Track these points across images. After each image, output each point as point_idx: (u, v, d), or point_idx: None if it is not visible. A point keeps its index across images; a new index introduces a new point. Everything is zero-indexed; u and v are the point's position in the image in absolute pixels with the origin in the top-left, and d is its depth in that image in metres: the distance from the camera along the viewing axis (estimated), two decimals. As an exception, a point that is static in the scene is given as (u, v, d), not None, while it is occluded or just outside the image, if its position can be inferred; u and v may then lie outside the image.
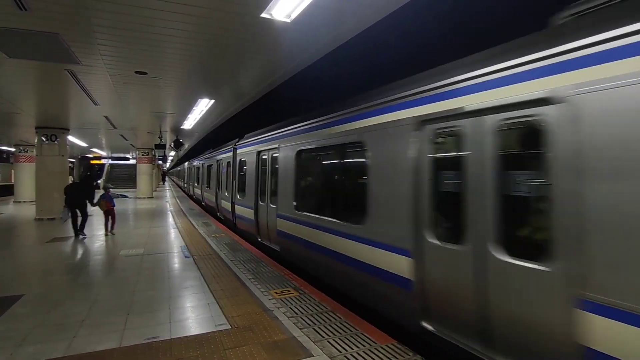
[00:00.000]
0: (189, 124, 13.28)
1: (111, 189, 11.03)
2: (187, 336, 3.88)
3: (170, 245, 8.82)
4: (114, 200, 10.74)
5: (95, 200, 10.16)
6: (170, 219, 13.79)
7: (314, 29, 4.98)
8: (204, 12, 4.48)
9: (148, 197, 24.12)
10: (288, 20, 4.63)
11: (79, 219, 9.85)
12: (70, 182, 12.39)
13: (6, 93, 8.72)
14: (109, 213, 10.35)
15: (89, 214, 10.15)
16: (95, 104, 9.64)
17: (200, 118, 11.99)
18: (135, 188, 25.03)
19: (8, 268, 6.77)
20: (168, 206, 19.03)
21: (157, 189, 35.69)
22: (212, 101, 9.55)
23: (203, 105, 10.09)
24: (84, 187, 10.49)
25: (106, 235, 10.15)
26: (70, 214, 9.73)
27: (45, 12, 4.44)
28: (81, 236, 9.77)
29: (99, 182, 30.03)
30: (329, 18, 4.67)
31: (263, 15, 4.49)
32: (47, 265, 6.99)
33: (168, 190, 35.48)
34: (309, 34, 5.14)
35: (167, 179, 67.21)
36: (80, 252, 8.17)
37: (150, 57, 6.13)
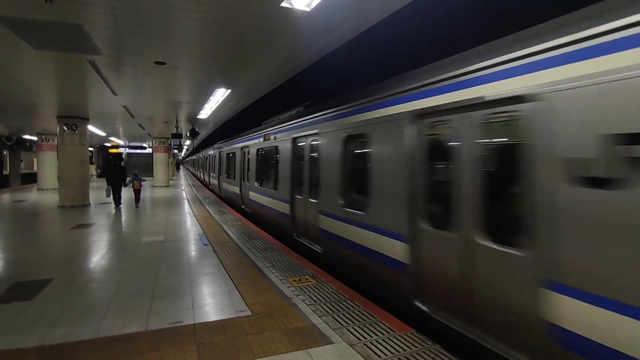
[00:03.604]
0: (205, 113, 13.39)
1: (138, 174, 14.70)
2: (209, 321, 4.01)
3: (188, 233, 9.01)
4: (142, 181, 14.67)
5: (127, 181, 14.07)
6: (187, 207, 14.04)
7: (334, 17, 4.94)
8: (224, 2, 4.50)
9: (164, 186, 24.56)
10: (308, 9, 4.62)
11: (117, 195, 13.59)
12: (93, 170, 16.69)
13: (30, 83, 8.94)
14: (138, 191, 14.28)
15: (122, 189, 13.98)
16: (115, 94, 9.81)
17: (217, 107, 12.08)
18: (152, 176, 25.48)
19: (37, 253, 7.04)
20: (184, 194, 19.36)
21: (173, 177, 36.26)
22: (229, 91, 9.61)
23: (219, 95, 10.16)
24: (119, 172, 13.87)
25: (136, 207, 13.85)
26: (111, 191, 13.42)
27: (69, 3, 4.52)
28: (120, 206, 13.63)
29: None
30: (349, 6, 4.62)
31: (283, 4, 4.49)
32: (73, 250, 7.24)
33: (183, 179, 36.02)
34: (329, 22, 5.11)
35: (181, 167, 68.14)
36: (103, 238, 8.41)
37: (170, 48, 6.19)
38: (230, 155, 16.05)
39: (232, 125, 20.93)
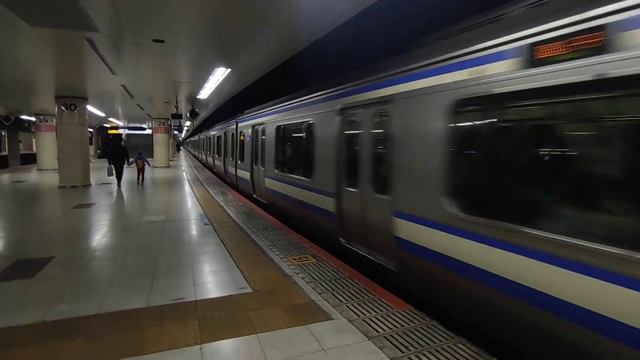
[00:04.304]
0: (204, 93, 13.24)
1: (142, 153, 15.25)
2: (211, 298, 4.05)
3: (189, 213, 9.04)
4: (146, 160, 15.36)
5: (131, 160, 14.73)
6: (188, 188, 14.05)
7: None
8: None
9: (165, 167, 24.54)
10: (308, -16, 4.50)
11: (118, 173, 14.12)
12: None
13: (27, 62, 8.80)
14: (142, 170, 14.91)
15: (125, 167, 14.56)
16: (113, 73, 9.67)
17: (217, 87, 11.94)
18: (152, 157, 25.42)
19: (38, 232, 7.08)
20: (185, 175, 19.35)
21: (173, 158, 36.22)
22: (229, 70, 9.47)
23: (219, 75, 10.02)
24: (122, 152, 14.38)
25: (137, 184, 14.50)
26: (113, 170, 13.95)
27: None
28: (119, 185, 13.98)
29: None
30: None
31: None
32: (74, 229, 7.27)
33: (183, 160, 35.97)
34: (326, 1, 4.98)
35: (182, 149, 68.07)
36: (104, 218, 8.45)
37: (168, 25, 6.06)
38: (292, 130, 8.58)
39: (234, 106, 20.30)
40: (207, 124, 36.24)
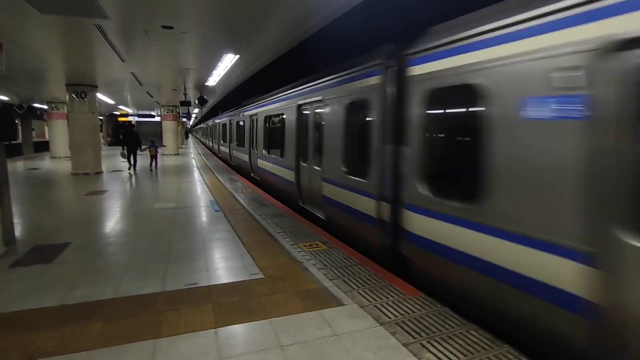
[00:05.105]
0: (213, 80, 13.23)
1: (154, 141, 16.33)
2: (224, 283, 4.13)
3: (200, 200, 9.14)
4: (158, 148, 16.29)
5: (144, 147, 15.66)
6: (197, 175, 14.16)
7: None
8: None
9: (174, 154, 24.71)
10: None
11: (132, 159, 14.73)
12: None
13: (37, 50, 8.86)
14: (154, 157, 15.79)
15: (138, 154, 15.22)
16: (123, 61, 9.69)
17: (225, 74, 11.92)
18: (161, 145, 25.58)
19: (54, 218, 7.23)
20: (194, 163, 19.48)
21: (182, 146, 36.42)
22: (237, 56, 9.43)
23: (228, 61, 9.99)
24: (135, 138, 15.01)
25: (150, 171, 15.15)
26: (127, 155, 14.58)
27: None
28: (135, 170, 14.69)
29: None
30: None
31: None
32: (89, 216, 7.41)
33: (192, 147, 36.16)
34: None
35: (190, 136, 68.32)
36: (117, 204, 8.58)
37: (177, 11, 6.03)
38: None
39: (241, 92, 20.01)
40: (222, 106, 35.71)
